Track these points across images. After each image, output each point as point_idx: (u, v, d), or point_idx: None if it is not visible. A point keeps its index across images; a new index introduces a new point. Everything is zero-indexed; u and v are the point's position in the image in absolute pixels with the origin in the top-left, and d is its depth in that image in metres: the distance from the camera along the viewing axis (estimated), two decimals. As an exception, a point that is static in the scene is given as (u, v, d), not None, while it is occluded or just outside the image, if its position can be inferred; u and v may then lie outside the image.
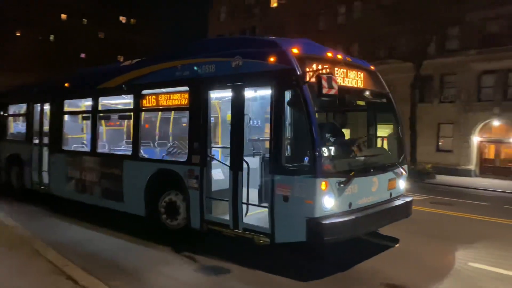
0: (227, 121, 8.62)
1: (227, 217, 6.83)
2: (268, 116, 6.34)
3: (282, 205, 6.02)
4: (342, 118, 7.14)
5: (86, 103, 10.25)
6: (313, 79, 5.69)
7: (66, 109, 10.39)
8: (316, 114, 5.84)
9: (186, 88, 7.38)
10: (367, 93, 6.94)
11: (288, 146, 6.20)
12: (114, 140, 10.26)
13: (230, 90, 6.80)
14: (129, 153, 8.56)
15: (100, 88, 9.26)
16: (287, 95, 6.05)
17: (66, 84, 10.35)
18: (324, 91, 5.47)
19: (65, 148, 10.22)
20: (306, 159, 5.97)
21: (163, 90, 7.87)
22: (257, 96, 8.18)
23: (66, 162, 9.92)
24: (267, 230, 6.26)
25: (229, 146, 7.96)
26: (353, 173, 6.14)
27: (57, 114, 10.35)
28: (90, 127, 9.39)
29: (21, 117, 12.49)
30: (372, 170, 6.73)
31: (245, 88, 6.63)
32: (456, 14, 25.82)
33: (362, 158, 6.76)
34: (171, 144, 8.80)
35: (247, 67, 6.53)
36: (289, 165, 6.07)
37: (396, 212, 7.06)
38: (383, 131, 7.88)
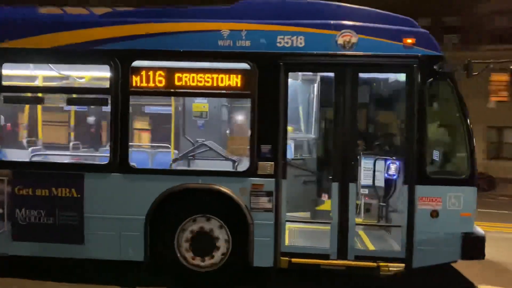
0: (193, 112, 6.51)
1: (320, 244, 5.17)
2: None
3: (428, 221, 4.92)
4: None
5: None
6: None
7: None
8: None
9: (245, 65, 5.01)
10: None
11: (432, 149, 5.11)
12: (51, 140, 6.03)
13: (333, 73, 5.08)
14: (101, 161, 5.26)
15: (9, 48, 5.21)
16: (432, 87, 4.97)
17: None
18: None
19: None
20: (447, 164, 5.13)
21: (184, 64, 5.13)
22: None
23: None
24: (398, 254, 5.03)
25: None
26: None
27: None
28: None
29: None
30: None
31: (358, 73, 5.07)
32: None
33: None
34: (196, 145, 5.84)
35: (363, 46, 4.95)
36: (438, 172, 5.03)
37: None
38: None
